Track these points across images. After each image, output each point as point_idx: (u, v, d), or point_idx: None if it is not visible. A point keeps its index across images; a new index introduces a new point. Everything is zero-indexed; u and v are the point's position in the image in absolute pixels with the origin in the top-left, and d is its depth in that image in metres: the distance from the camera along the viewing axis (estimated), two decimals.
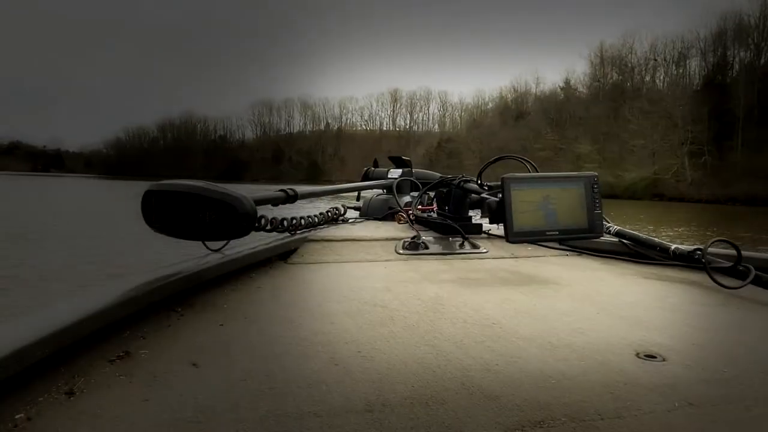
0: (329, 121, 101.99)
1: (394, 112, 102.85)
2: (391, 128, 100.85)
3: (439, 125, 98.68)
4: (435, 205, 1.42)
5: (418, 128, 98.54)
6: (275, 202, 1.06)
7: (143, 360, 0.51)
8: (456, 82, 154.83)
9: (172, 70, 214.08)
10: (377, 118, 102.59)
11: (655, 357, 0.55)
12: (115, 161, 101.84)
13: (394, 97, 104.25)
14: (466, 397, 0.45)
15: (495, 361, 0.53)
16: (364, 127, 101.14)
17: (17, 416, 0.39)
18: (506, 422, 0.41)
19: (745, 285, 0.85)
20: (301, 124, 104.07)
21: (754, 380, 0.51)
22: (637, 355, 0.56)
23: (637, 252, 1.12)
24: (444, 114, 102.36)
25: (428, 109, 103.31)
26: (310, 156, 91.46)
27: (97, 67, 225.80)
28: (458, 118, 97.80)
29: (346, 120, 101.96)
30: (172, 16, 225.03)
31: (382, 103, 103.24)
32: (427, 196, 1.50)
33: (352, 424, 0.40)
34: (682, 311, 0.76)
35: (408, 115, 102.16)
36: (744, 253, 0.90)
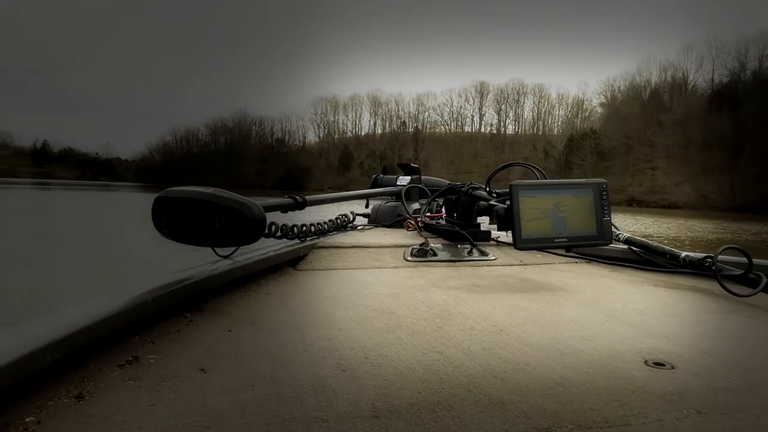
0: (405, 120, 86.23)
1: (481, 109, 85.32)
2: (478, 128, 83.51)
3: (533, 123, 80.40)
4: (443, 212, 1.42)
5: (516, 128, 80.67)
6: (284, 208, 1.09)
7: (152, 365, 0.51)
8: (552, 73, 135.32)
9: (225, 67, 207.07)
10: (460, 116, 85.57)
11: (664, 365, 0.55)
12: (160, 168, 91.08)
13: (481, 92, 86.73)
14: (472, 403, 0.45)
15: (502, 368, 0.53)
16: (444, 127, 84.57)
17: (27, 419, 0.40)
18: (512, 429, 0.41)
19: (756, 293, 0.84)
20: (370, 124, 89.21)
21: (764, 389, 0.50)
22: (646, 362, 0.56)
23: (646, 259, 1.11)
24: (542, 109, 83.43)
25: (522, 105, 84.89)
26: (385, 161, 75.85)
27: (144, 65, 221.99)
28: (563, 113, 78.90)
29: (425, 119, 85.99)
30: (223, 5, 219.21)
31: (466, 99, 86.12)
32: (435, 203, 1.52)
33: (358, 430, 0.40)
34: (692, 319, 0.75)
35: (498, 113, 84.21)
36: (755, 260, 0.90)
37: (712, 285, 0.91)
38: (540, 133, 79.42)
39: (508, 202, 0.90)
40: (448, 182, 1.59)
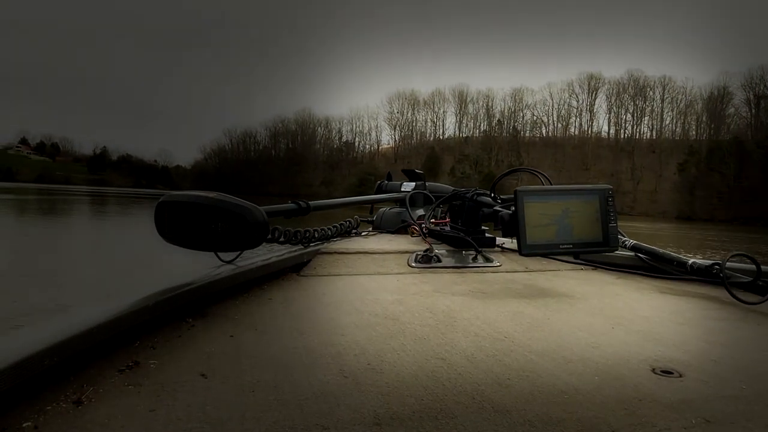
0: (500, 119, 71.76)
1: (592, 106, 69.18)
2: (587, 129, 67.35)
3: (658, 121, 63.23)
4: (448, 219, 1.43)
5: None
6: (287, 214, 1.09)
7: (152, 370, 0.51)
8: (679, 63, 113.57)
9: (289, 66, 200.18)
10: (561, 116, 69.77)
11: (672, 373, 0.54)
12: (214, 176, 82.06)
13: (590, 86, 70.54)
14: (476, 411, 0.44)
15: (507, 375, 0.52)
16: (545, 128, 69.26)
17: (25, 424, 0.39)
18: None
19: (766, 300, 0.84)
20: (455, 124, 75.45)
21: None
22: (653, 370, 0.55)
23: (653, 266, 1.11)
24: (675, 106, 65.82)
25: (642, 101, 67.72)
26: (480, 167, 61.76)
27: (205, 67, 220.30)
28: (698, 108, 61.03)
29: (523, 118, 71.18)
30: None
31: (571, 94, 70.20)
32: (440, 209, 1.53)
33: None
34: (700, 326, 0.74)
35: (610, 110, 67.74)
36: (764, 267, 0.89)
37: (721, 292, 0.91)
38: (675, 134, 62.54)
39: (513, 208, 0.90)
40: (453, 188, 1.58)
